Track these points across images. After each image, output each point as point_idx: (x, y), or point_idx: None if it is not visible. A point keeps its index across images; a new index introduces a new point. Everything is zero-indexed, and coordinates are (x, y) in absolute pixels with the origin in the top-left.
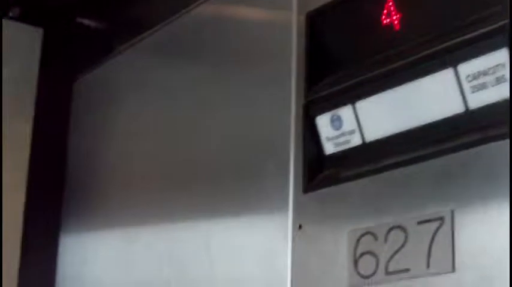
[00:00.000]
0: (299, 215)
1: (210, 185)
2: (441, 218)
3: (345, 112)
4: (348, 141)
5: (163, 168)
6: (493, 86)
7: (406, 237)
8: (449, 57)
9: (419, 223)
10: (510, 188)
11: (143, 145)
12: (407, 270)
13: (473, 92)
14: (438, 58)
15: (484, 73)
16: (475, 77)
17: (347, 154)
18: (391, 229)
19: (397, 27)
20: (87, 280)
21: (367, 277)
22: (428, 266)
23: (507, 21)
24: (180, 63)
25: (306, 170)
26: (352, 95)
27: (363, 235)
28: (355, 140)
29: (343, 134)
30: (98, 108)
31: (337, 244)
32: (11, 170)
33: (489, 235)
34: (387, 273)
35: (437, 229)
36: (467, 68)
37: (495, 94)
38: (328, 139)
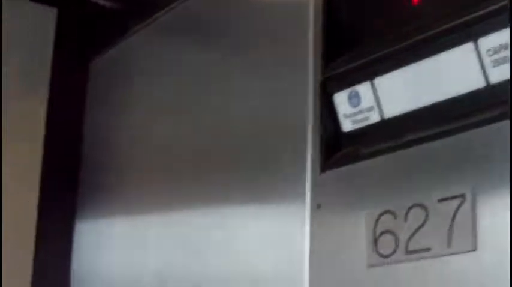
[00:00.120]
0: (317, 195)
1: (226, 167)
2: (462, 196)
3: (363, 89)
4: (366, 119)
5: (180, 152)
6: None
7: (426, 215)
8: (469, 31)
9: (440, 200)
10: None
11: (159, 128)
12: (428, 249)
13: (494, 66)
14: (458, 32)
15: (505, 47)
16: (496, 51)
17: (365, 131)
18: (411, 207)
19: (416, 1)
20: (103, 266)
21: (386, 257)
22: (449, 245)
23: None
24: (196, 43)
25: (323, 149)
26: (370, 72)
27: (382, 214)
28: (374, 117)
29: (361, 111)
30: (113, 90)
31: (356, 223)
32: (26, 155)
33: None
34: (407, 252)
35: (459, 206)
36: (487, 42)
37: None
38: (346, 116)
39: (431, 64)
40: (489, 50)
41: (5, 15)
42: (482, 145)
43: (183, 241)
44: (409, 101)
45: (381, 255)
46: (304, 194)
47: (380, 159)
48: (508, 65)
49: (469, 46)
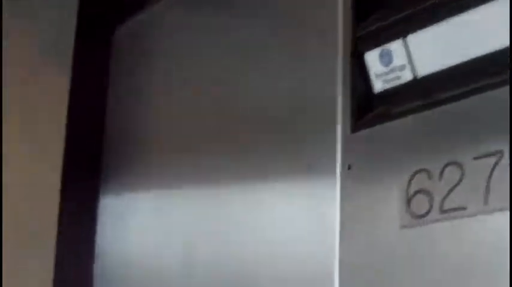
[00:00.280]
0: (348, 156)
1: (255, 133)
2: (500, 152)
3: (395, 47)
4: (398, 77)
5: (206, 126)
6: None
7: (462, 173)
8: None
9: (476, 158)
10: None
11: (184, 102)
12: (463, 208)
13: None
14: None
15: None
16: None
17: (397, 90)
18: (446, 165)
19: None
20: (127, 243)
21: (420, 217)
22: (485, 203)
23: None
24: (221, 11)
25: (354, 109)
26: (402, 29)
27: (416, 173)
28: (406, 76)
29: (393, 70)
30: (136, 64)
31: (388, 183)
32: (49, 129)
33: None
34: (442, 211)
35: (496, 163)
36: None
37: None
38: (377, 76)
39: (465, 20)
40: None
41: None
42: None
43: (208, 217)
44: (442, 58)
45: (415, 215)
46: (334, 155)
47: (412, 118)
48: None
49: (503, 1)
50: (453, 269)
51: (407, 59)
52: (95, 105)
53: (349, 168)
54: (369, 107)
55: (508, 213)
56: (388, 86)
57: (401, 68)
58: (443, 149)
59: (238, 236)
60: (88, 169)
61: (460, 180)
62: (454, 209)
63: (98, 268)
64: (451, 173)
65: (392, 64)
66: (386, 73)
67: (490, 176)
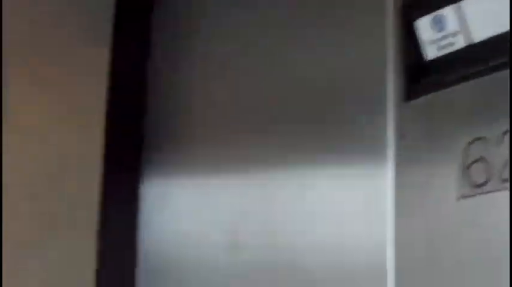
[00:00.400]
0: (401, 125)
1: (302, 112)
2: None
3: (449, 12)
4: (451, 44)
5: (252, 106)
6: None
7: None
8: None
9: None
10: None
11: (229, 81)
12: None
13: None
14: None
15: None
16: None
17: (451, 57)
18: (505, 132)
19: None
20: (170, 227)
21: (479, 186)
22: None
23: None
24: None
25: (406, 77)
26: None
27: (473, 142)
28: (460, 42)
29: (446, 36)
30: (177, 37)
31: (444, 152)
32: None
33: None
34: (502, 181)
35: None
36: None
37: None
38: (430, 43)
39: None
40: None
41: None
42: None
43: (256, 203)
44: (497, 23)
45: (474, 185)
46: (386, 126)
47: (467, 85)
48: None
49: None
50: None
51: (461, 25)
52: (136, 76)
53: (402, 137)
54: (421, 75)
55: None
56: (441, 53)
57: (455, 33)
58: (500, 115)
59: (288, 222)
60: (129, 151)
61: None
62: None
63: (140, 254)
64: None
65: (446, 30)
66: (439, 39)
67: None
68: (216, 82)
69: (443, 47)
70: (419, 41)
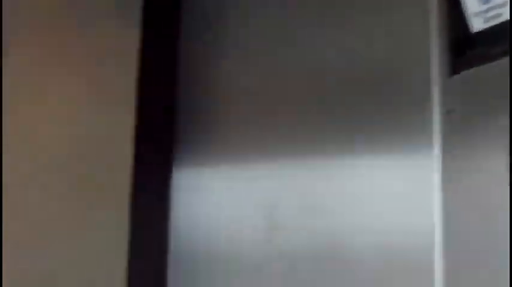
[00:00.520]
0: (446, 100)
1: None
2: None
3: None
4: (498, 15)
5: (290, 91)
6: None
7: None
8: None
9: None
10: None
11: (266, 64)
12: None
13: None
14: None
15: None
16: None
17: (498, 29)
18: None
19: None
20: (203, 215)
21: None
22: None
23: None
24: None
25: (452, 50)
26: None
27: None
28: (507, 14)
29: (493, 8)
30: (209, 25)
31: (493, 128)
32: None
33: None
34: None
35: None
36: None
37: None
38: (476, 15)
39: None
40: None
41: None
42: None
43: (292, 189)
44: None
45: None
46: (431, 101)
47: None
48: None
49: None
50: None
51: None
52: (167, 59)
53: (448, 113)
54: (467, 48)
55: None
56: (487, 25)
57: (503, 5)
58: None
59: (328, 204)
60: (161, 137)
61: None
62: None
63: (172, 242)
64: None
65: (492, 2)
66: (486, 11)
67: None
68: (248, 69)
69: (490, 19)
70: (465, 14)
